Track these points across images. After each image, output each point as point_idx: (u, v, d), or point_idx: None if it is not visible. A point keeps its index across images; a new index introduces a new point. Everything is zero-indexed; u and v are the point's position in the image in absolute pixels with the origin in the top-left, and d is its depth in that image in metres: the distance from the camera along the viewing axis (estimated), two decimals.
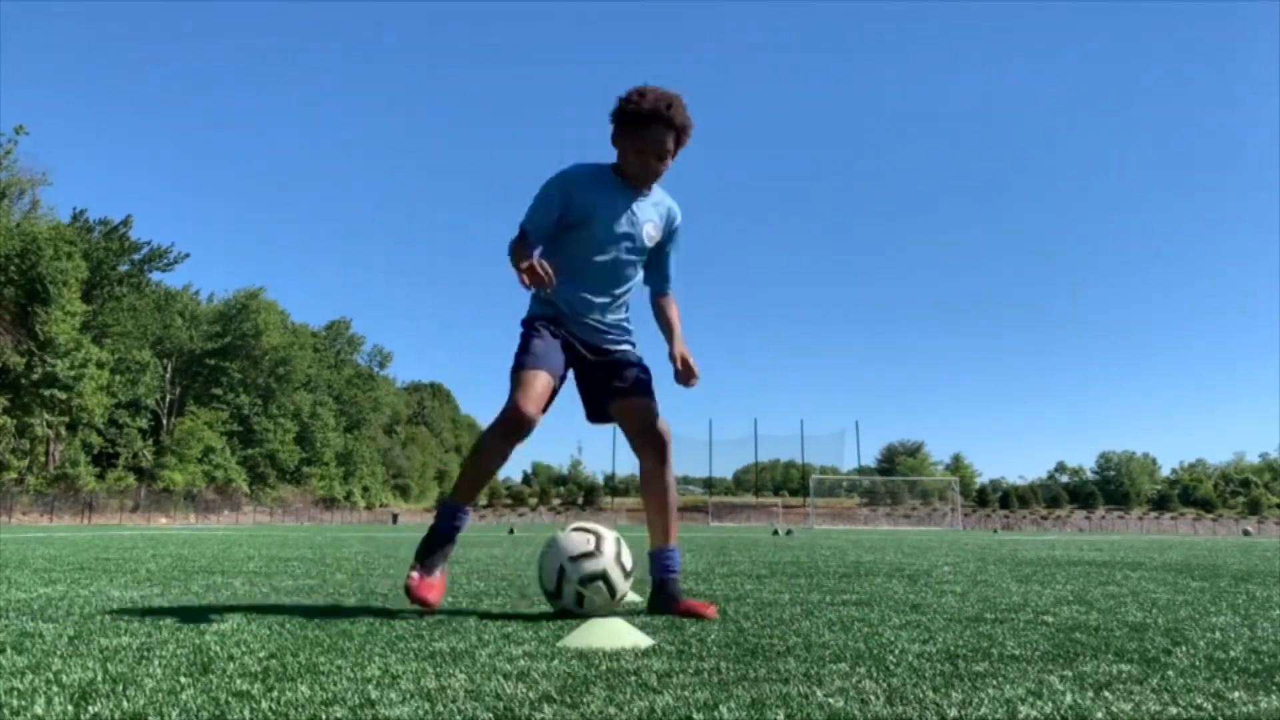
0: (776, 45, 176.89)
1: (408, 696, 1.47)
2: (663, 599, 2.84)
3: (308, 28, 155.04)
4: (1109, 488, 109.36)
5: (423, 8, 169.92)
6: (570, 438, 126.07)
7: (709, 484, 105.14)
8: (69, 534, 14.35)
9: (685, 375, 3.02)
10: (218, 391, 61.94)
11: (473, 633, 2.27)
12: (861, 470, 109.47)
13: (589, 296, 2.96)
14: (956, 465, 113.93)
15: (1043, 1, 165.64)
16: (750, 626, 2.49)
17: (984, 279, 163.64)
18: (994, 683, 1.66)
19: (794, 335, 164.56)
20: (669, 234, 3.08)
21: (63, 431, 47.87)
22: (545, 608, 2.96)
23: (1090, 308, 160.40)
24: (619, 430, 2.96)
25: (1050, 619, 2.76)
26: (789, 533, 24.00)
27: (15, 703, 1.41)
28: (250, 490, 62.57)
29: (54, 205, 51.73)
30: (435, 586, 2.73)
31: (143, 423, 56.01)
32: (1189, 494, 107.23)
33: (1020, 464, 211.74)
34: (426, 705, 1.41)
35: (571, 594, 2.64)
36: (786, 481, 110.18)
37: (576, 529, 2.77)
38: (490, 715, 1.35)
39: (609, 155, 2.96)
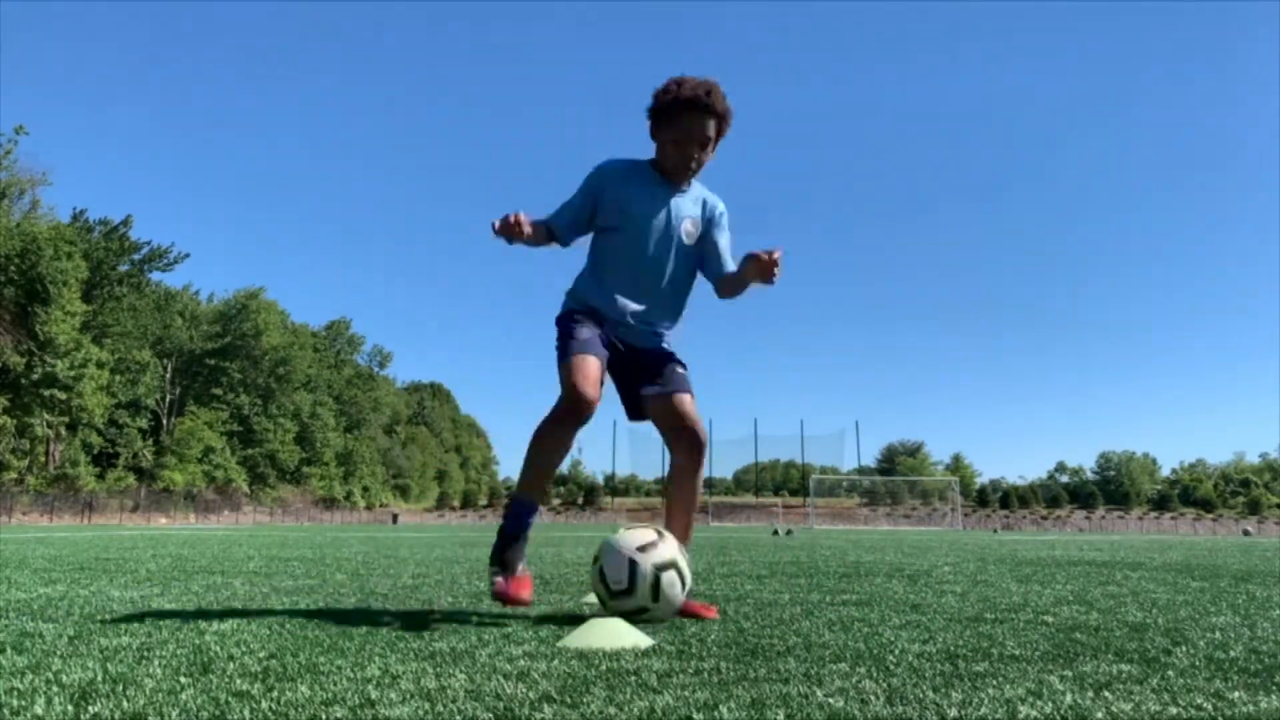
0: (776, 45, 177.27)
1: (408, 696, 1.48)
2: None
3: (308, 28, 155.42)
4: (1109, 488, 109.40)
5: (423, 8, 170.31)
6: None
7: (709, 484, 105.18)
8: (69, 534, 14.35)
9: (766, 266, 2.65)
10: (218, 391, 61.94)
11: (473, 633, 2.27)
12: (861, 470, 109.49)
13: (626, 296, 2.87)
14: (956, 465, 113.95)
15: (1043, 1, 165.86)
16: (750, 626, 2.49)
17: (984, 279, 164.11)
18: (994, 683, 1.66)
19: (794, 335, 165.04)
20: (710, 223, 2.95)
21: (63, 431, 47.87)
22: (546, 608, 2.95)
23: (1090, 308, 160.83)
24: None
25: (1050, 619, 2.76)
26: (789, 533, 23.99)
27: (15, 703, 1.41)
28: (250, 490, 62.55)
29: (54, 205, 51.84)
30: (524, 583, 2.63)
31: (143, 423, 56.01)
32: (1189, 494, 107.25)
33: (1020, 464, 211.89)
34: (426, 705, 1.41)
35: (647, 586, 2.49)
36: (786, 481, 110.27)
37: (628, 528, 2.69)
38: (490, 715, 1.35)
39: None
